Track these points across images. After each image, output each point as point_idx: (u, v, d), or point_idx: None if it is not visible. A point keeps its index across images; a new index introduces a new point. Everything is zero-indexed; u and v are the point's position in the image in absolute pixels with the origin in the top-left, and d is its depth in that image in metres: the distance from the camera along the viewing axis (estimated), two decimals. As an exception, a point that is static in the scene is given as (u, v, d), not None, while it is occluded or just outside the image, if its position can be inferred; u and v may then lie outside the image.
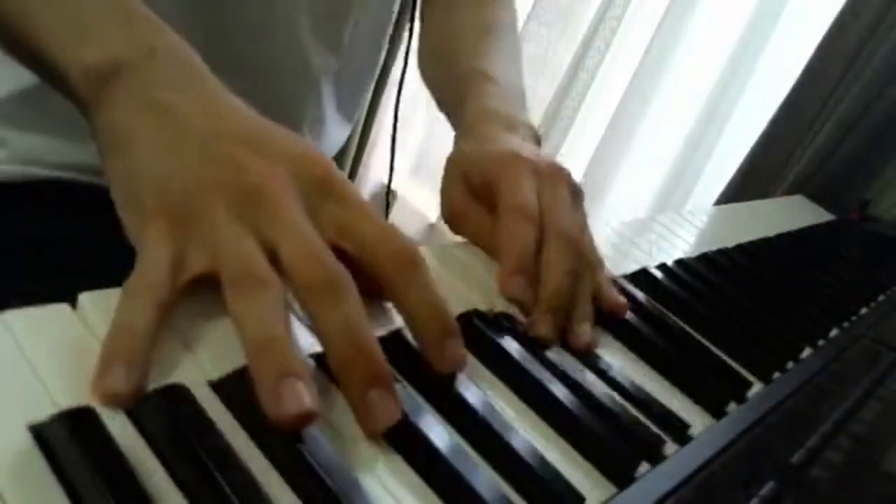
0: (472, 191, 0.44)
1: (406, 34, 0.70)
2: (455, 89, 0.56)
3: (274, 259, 0.27)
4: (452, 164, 0.46)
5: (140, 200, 0.29)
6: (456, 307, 0.36)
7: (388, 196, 0.86)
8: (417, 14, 0.69)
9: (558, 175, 0.43)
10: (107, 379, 0.23)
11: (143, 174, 0.29)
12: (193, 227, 0.28)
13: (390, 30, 0.69)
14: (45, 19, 0.32)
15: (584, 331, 0.38)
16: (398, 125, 0.74)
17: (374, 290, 0.30)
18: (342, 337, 0.26)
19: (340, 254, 0.28)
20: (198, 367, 0.26)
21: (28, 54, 0.34)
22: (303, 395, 0.24)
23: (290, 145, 0.31)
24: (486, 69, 0.55)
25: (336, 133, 0.70)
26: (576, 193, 0.43)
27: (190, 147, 0.29)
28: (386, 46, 0.68)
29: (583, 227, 0.43)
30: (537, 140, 0.50)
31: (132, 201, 0.29)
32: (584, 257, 0.40)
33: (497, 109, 0.50)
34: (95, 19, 0.32)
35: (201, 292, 0.30)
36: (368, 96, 0.72)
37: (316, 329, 0.27)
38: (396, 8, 0.68)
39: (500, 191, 0.41)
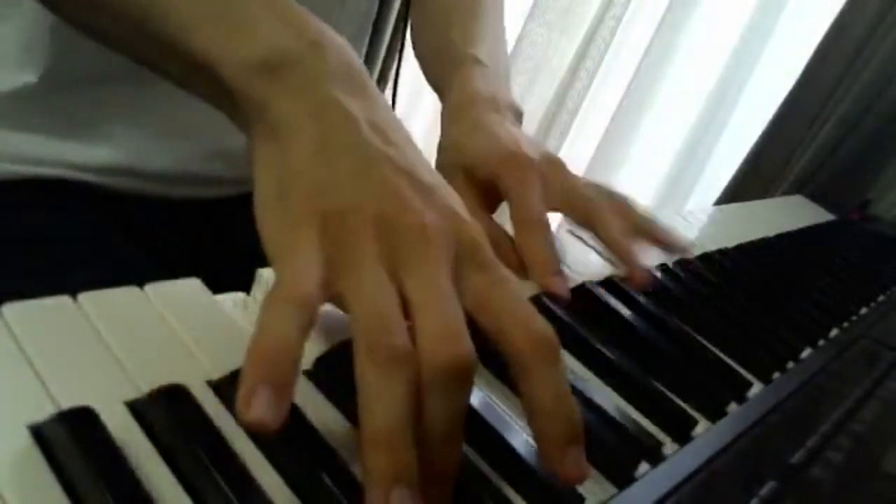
0: (474, 181, 0.46)
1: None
2: (443, 67, 0.58)
3: (404, 306, 0.26)
4: (450, 153, 0.48)
5: (292, 198, 0.27)
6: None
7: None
8: None
9: (557, 165, 0.47)
10: (255, 405, 0.22)
11: (303, 172, 0.28)
12: (343, 248, 0.27)
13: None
14: (185, 9, 0.30)
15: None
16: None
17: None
18: (442, 432, 0.25)
19: (472, 325, 0.26)
20: (198, 367, 0.26)
21: (162, 50, 0.32)
22: None
23: (449, 196, 0.30)
24: (475, 52, 0.57)
25: None
26: (565, 167, 0.48)
27: (357, 162, 0.28)
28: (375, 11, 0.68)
29: (589, 189, 0.47)
30: (520, 117, 0.53)
31: (282, 196, 0.28)
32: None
33: (483, 91, 0.52)
34: (250, 12, 0.30)
35: (199, 294, 0.30)
36: None
37: (422, 407, 0.25)
38: None
39: (511, 199, 0.44)
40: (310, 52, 0.30)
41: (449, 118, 0.52)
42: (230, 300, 0.32)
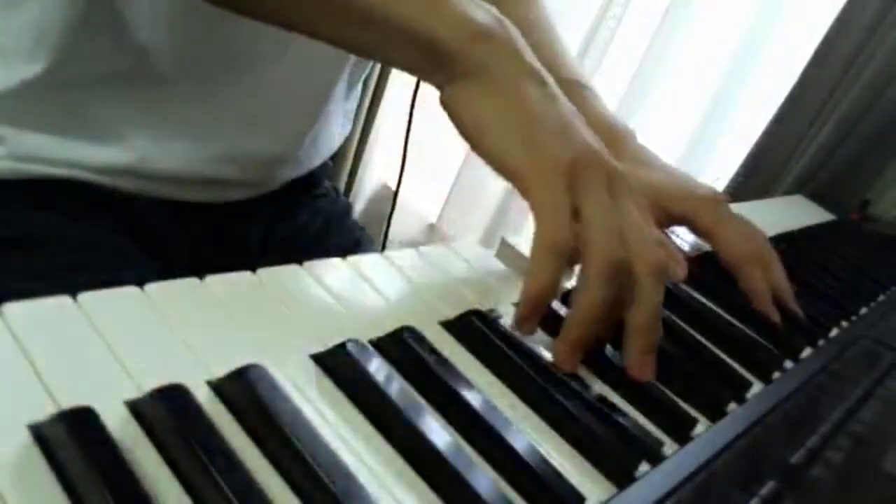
0: (659, 214, 0.52)
1: None
2: None
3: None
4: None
5: (545, 145, 0.36)
6: (456, 307, 0.36)
7: (395, 198, 0.86)
8: None
9: (727, 204, 0.55)
10: (528, 328, 0.35)
11: (540, 119, 0.37)
12: (583, 186, 0.36)
13: None
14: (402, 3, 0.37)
15: None
16: (402, 124, 0.74)
17: None
18: (652, 310, 0.36)
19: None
20: (198, 367, 0.26)
21: (364, 27, 0.39)
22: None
23: (604, 147, 0.39)
24: (577, 77, 0.61)
25: (340, 126, 0.70)
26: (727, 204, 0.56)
27: (564, 117, 0.38)
28: None
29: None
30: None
31: (530, 139, 0.36)
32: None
33: (612, 119, 0.59)
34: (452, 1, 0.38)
35: (199, 294, 0.30)
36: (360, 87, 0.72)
37: (637, 299, 0.36)
38: None
39: (715, 241, 0.53)
40: (502, 26, 0.39)
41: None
42: (236, 280, 0.32)
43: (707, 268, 0.55)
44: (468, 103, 0.38)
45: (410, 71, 0.40)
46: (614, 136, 0.57)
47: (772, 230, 0.73)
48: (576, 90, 0.59)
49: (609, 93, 1.55)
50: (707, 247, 0.59)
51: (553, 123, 0.37)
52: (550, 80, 0.39)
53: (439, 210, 1.70)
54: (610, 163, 0.38)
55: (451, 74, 0.38)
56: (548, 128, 0.36)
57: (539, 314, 0.35)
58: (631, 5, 1.48)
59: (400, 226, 1.67)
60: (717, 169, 1.42)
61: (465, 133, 0.38)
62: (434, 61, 0.38)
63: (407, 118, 0.74)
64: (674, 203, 0.54)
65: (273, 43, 0.53)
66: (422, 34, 0.37)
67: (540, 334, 0.37)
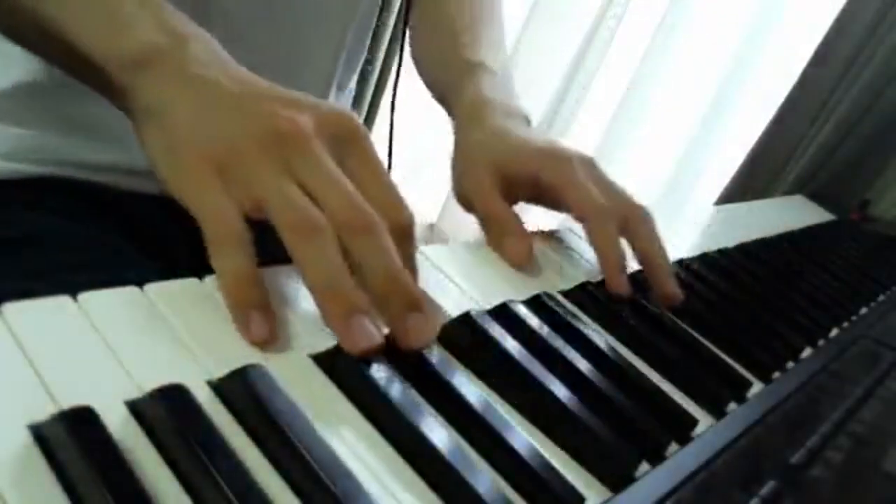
0: (504, 176, 0.48)
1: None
2: (450, 74, 0.60)
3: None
4: (476, 153, 0.50)
5: (181, 159, 0.31)
6: (456, 307, 0.36)
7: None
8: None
9: (590, 164, 0.49)
10: (253, 328, 0.28)
11: (182, 136, 0.32)
12: (233, 171, 0.31)
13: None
14: (80, 19, 0.34)
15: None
16: (396, 125, 0.74)
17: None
18: (382, 270, 0.30)
19: None
20: (198, 367, 0.26)
21: (59, 50, 0.35)
22: (371, 330, 0.29)
23: (316, 101, 0.34)
24: (484, 60, 0.59)
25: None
26: (597, 166, 0.50)
27: (224, 107, 0.32)
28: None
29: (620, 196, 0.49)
30: (529, 123, 0.55)
31: (174, 164, 0.32)
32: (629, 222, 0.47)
33: (496, 98, 0.55)
34: (129, 15, 0.34)
35: (199, 294, 0.30)
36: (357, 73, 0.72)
37: (356, 263, 0.30)
38: None
39: (561, 192, 0.46)
40: (175, 44, 0.34)
41: (466, 123, 0.54)
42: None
43: (707, 268, 0.55)
44: (143, 142, 0.34)
45: (116, 106, 0.36)
46: (476, 111, 0.53)
47: (772, 230, 0.74)
48: (474, 72, 0.57)
49: (609, 93, 1.55)
50: (704, 248, 0.59)
51: (200, 130, 0.32)
52: (216, 74, 0.33)
53: (439, 210, 1.70)
54: (283, 127, 0.31)
55: (128, 108, 0.34)
56: (192, 139, 0.32)
57: (256, 307, 0.29)
58: (631, 5, 1.48)
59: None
60: (717, 169, 1.42)
61: None
62: (116, 95, 0.34)
63: (389, 119, 0.74)
64: (519, 164, 0.48)
65: (265, 45, 0.53)
66: (98, 65, 0.33)
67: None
